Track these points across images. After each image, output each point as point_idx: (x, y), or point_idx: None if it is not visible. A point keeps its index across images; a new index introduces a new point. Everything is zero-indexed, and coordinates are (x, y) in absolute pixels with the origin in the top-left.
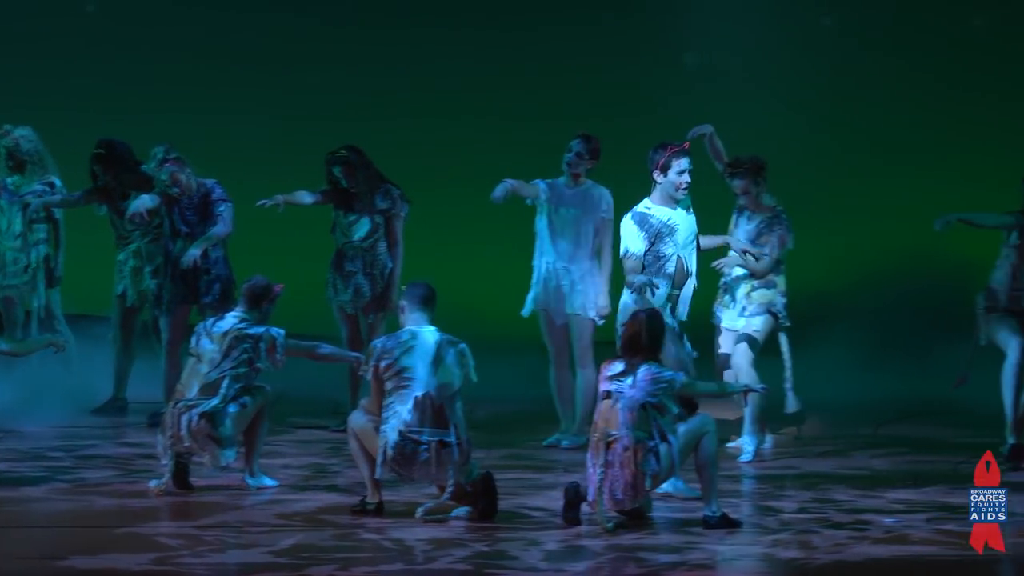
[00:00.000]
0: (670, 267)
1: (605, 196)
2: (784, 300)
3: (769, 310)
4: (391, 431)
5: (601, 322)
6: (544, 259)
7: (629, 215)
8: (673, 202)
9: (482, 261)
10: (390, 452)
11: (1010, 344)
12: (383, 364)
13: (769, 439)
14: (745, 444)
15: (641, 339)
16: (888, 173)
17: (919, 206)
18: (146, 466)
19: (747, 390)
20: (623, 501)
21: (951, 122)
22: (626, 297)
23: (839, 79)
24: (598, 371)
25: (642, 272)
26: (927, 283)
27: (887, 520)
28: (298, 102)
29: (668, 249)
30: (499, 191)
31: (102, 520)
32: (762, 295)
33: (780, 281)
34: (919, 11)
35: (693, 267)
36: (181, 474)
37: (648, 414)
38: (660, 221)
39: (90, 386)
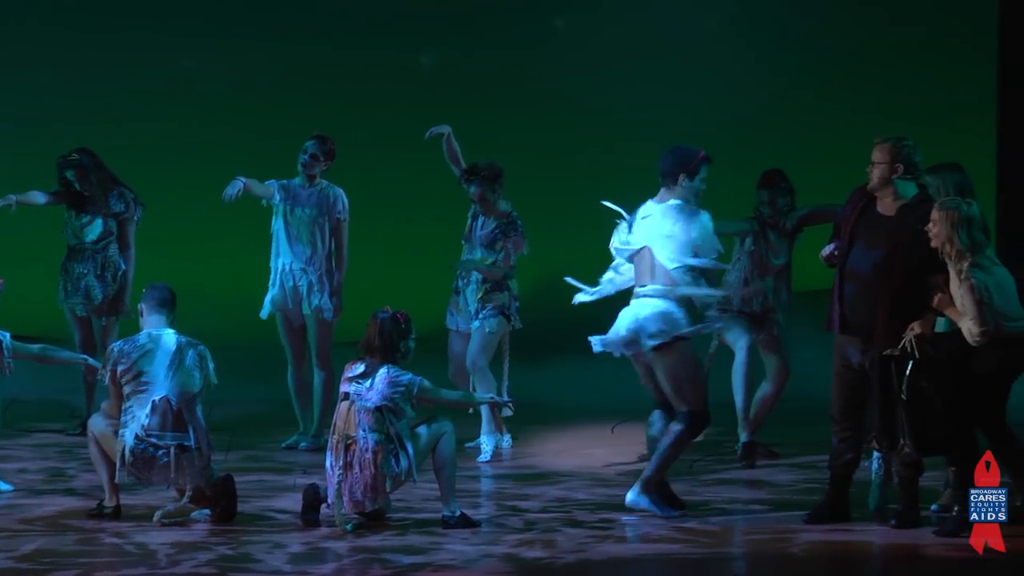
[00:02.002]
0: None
1: (340, 197)
2: (517, 304)
3: (502, 312)
4: (129, 435)
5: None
6: (281, 260)
7: (706, 215)
8: None
9: (220, 262)
10: (129, 456)
11: (739, 344)
12: (120, 368)
13: (507, 439)
14: (484, 444)
15: (375, 342)
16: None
17: None
18: None
19: (493, 402)
20: (363, 503)
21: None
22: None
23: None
24: (338, 371)
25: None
26: None
27: (627, 519)
28: (30, 103)
29: None
30: (230, 189)
31: None
32: (495, 298)
33: (513, 285)
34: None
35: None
36: None
37: (384, 416)
38: None
39: None
